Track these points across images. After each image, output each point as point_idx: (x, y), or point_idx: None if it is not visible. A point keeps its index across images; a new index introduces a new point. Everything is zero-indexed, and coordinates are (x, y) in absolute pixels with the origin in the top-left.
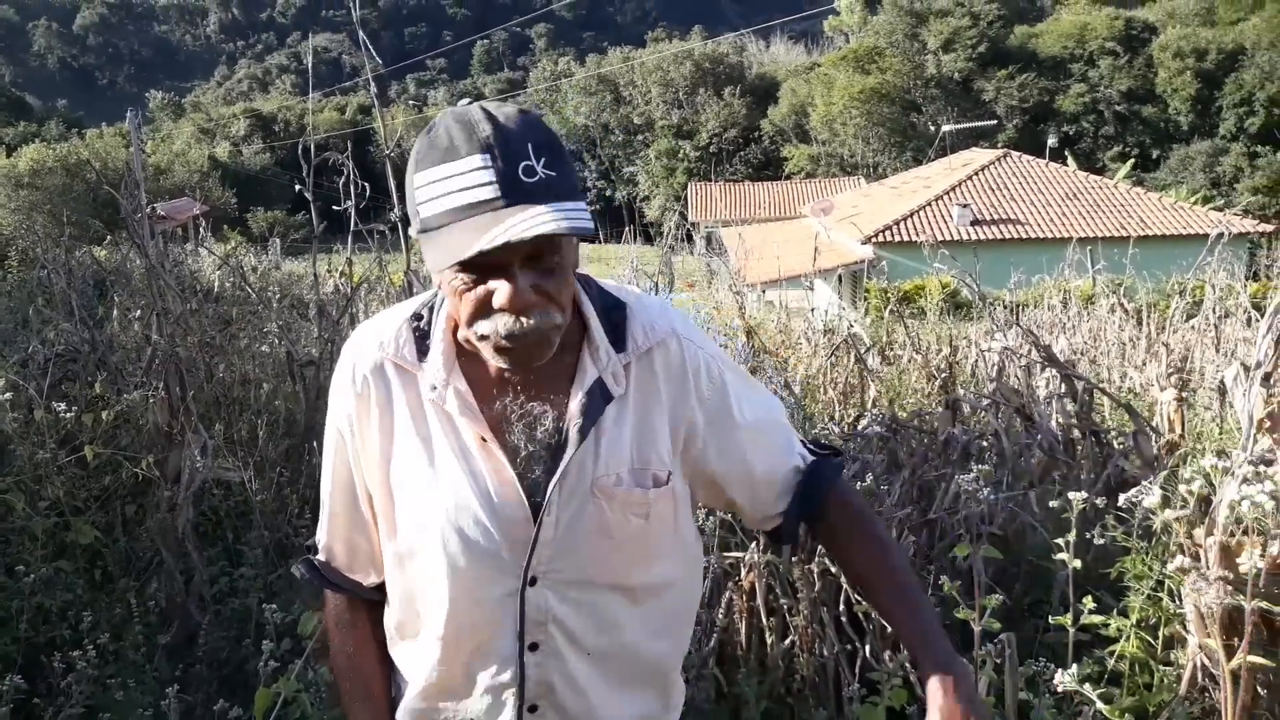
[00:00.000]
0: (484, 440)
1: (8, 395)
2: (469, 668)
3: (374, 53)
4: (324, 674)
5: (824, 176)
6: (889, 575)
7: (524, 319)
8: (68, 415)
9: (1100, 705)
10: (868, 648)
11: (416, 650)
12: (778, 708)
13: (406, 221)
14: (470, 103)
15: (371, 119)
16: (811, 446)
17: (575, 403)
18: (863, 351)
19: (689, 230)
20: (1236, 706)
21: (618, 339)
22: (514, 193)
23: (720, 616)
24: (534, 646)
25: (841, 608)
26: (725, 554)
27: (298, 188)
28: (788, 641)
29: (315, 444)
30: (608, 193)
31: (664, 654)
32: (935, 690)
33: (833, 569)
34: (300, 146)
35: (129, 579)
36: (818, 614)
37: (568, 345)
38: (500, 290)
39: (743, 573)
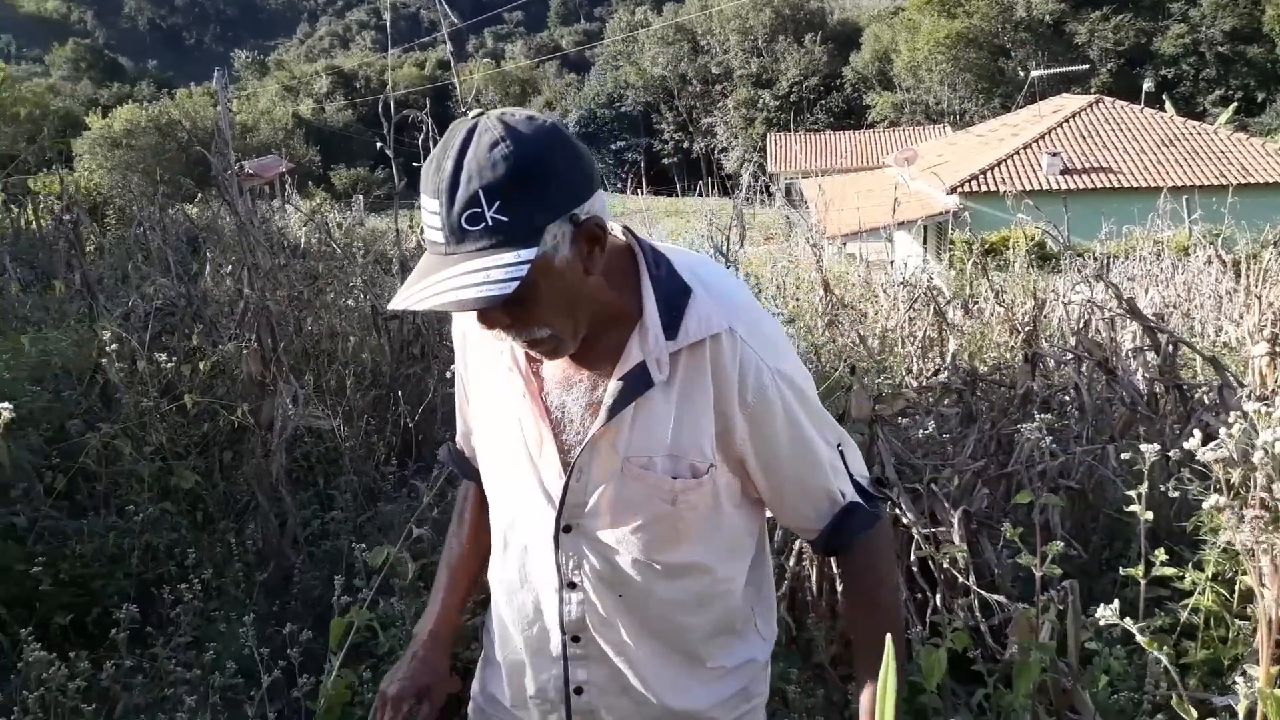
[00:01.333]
0: (524, 395)
1: (114, 347)
2: (525, 594)
3: (450, 8)
4: (397, 605)
5: (908, 125)
6: (868, 646)
7: (506, 336)
8: (169, 366)
9: (1140, 637)
10: (938, 597)
11: (495, 570)
12: (847, 652)
13: None
14: (480, 113)
15: (451, 74)
16: (860, 483)
17: (613, 381)
18: (942, 304)
19: (767, 182)
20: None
21: (673, 324)
22: (455, 240)
23: (792, 563)
24: (572, 585)
25: (913, 558)
26: None
27: (379, 145)
28: None
29: (400, 394)
30: (685, 145)
31: (694, 627)
32: None
33: (904, 520)
34: (380, 104)
35: (228, 521)
36: None
37: (621, 322)
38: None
39: None
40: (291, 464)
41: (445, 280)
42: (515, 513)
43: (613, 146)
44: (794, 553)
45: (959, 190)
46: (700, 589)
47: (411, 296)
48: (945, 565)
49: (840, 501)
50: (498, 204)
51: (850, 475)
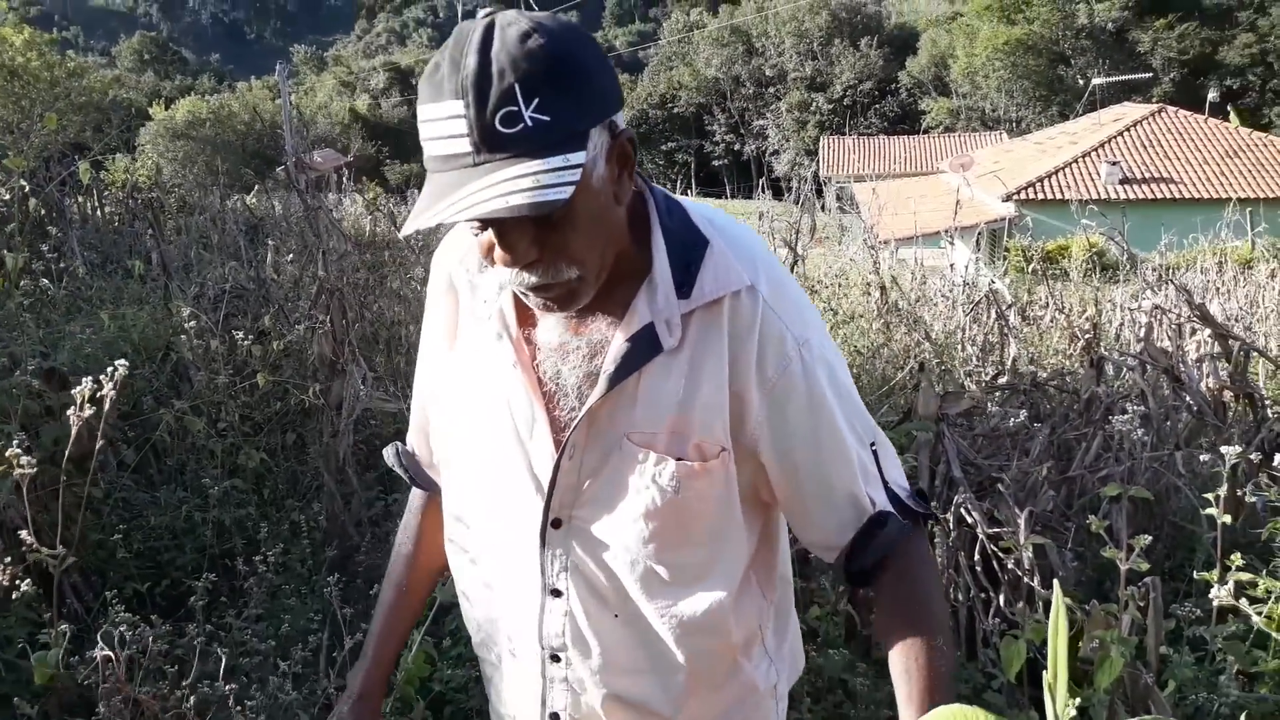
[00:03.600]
0: (514, 364)
1: (192, 324)
2: (501, 602)
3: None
4: None
5: (963, 131)
6: (915, 684)
7: (526, 275)
8: (245, 344)
9: (1260, 614)
10: (1001, 597)
11: (460, 576)
12: None
13: None
14: (491, 12)
15: None
16: (896, 492)
17: (615, 345)
18: (1004, 308)
19: (819, 185)
20: None
21: (687, 281)
22: (487, 146)
23: None
24: (556, 592)
25: (977, 557)
26: None
27: None
28: None
29: None
30: (736, 147)
31: (692, 660)
32: None
33: (968, 520)
34: None
35: (294, 499)
36: (953, 561)
37: (629, 278)
38: (496, 245)
39: None
40: (356, 445)
41: (484, 190)
42: (495, 508)
43: (664, 147)
44: None
45: (1015, 198)
46: (706, 608)
47: (441, 211)
48: (1010, 565)
49: (869, 510)
50: (536, 101)
51: (884, 481)
